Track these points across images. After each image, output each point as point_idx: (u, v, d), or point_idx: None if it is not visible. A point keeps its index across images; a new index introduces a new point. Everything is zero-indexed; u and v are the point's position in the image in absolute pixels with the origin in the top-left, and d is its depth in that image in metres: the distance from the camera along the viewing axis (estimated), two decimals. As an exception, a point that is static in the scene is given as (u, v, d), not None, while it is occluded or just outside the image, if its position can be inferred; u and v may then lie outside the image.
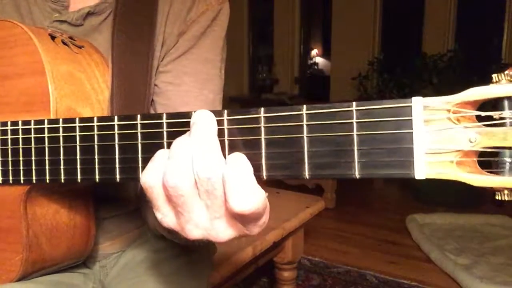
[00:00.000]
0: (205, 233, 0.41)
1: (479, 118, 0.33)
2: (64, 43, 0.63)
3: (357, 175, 0.36)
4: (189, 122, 0.42)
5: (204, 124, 0.40)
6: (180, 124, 0.44)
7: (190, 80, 0.74)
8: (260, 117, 0.40)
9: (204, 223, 0.41)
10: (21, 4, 0.73)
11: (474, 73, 3.82)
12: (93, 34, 0.72)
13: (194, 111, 0.42)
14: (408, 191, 3.53)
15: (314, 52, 5.96)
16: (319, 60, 5.97)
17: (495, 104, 0.32)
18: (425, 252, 2.51)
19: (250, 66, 5.91)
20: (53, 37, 0.62)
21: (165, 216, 0.42)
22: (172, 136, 0.44)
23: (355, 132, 0.36)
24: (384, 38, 4.87)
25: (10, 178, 0.58)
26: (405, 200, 3.41)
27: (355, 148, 0.36)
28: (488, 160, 0.33)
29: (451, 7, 4.41)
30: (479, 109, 0.33)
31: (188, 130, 0.42)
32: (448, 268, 2.27)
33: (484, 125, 0.32)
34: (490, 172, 0.33)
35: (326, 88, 5.21)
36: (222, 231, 0.41)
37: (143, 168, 0.45)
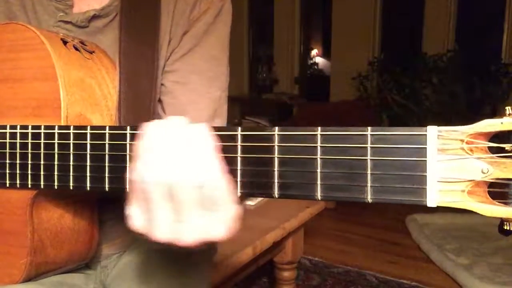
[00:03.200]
0: (172, 235, 0.42)
1: (491, 149, 0.33)
2: (76, 48, 0.63)
3: (369, 200, 0.36)
4: None
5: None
6: None
7: (196, 79, 0.75)
8: (274, 135, 0.40)
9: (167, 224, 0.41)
10: (26, 4, 0.73)
11: (474, 73, 3.83)
12: (97, 35, 0.73)
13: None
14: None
15: (314, 52, 5.95)
16: (319, 60, 5.96)
17: (507, 136, 0.32)
18: (425, 252, 2.51)
19: (250, 66, 5.91)
20: (65, 42, 0.62)
21: (135, 214, 0.43)
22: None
23: (369, 157, 0.36)
24: (384, 38, 4.87)
25: (18, 182, 0.58)
26: (405, 200, 3.39)
27: (368, 172, 0.36)
28: (499, 191, 0.33)
29: (451, 7, 4.40)
30: (491, 140, 0.33)
31: None
32: (448, 268, 2.27)
33: (496, 156, 0.33)
34: (500, 203, 0.33)
35: (326, 88, 5.20)
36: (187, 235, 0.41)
37: None
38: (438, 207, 0.34)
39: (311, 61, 5.92)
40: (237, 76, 5.69)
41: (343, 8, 4.90)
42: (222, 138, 0.42)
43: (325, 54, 5.77)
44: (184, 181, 0.39)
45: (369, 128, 0.36)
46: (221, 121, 0.79)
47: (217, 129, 0.43)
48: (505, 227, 0.33)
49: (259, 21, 5.85)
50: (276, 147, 0.40)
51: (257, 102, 5.36)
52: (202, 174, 0.39)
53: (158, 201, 0.41)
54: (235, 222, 0.40)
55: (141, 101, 0.70)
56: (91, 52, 0.65)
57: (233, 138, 0.42)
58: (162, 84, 0.76)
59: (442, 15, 4.41)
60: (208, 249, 0.89)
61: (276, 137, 0.40)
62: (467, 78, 3.78)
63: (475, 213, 0.35)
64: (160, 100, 0.77)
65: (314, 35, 5.97)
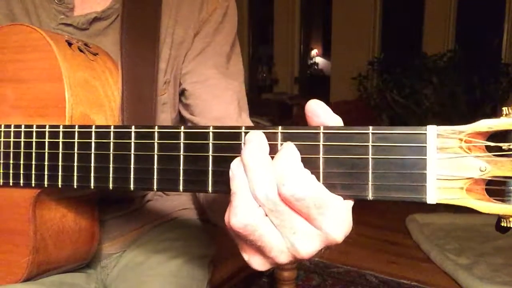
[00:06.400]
0: (291, 253, 0.40)
1: (489, 148, 0.34)
2: (80, 50, 0.64)
3: (371, 197, 0.37)
4: (205, 133, 0.43)
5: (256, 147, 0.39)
6: (196, 136, 0.44)
7: (213, 73, 0.77)
8: (277, 133, 0.40)
9: (285, 244, 0.39)
10: (29, 7, 0.73)
11: (474, 73, 3.84)
12: (97, 37, 0.73)
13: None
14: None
15: (314, 52, 5.96)
16: (319, 60, 5.97)
17: (505, 135, 0.33)
18: (425, 252, 2.51)
19: (250, 66, 5.92)
20: (70, 44, 0.63)
21: (251, 258, 0.42)
22: (189, 147, 0.44)
23: (370, 155, 0.37)
24: (384, 38, 4.88)
25: (21, 181, 0.58)
26: (405, 200, 3.40)
27: (370, 170, 0.37)
28: (496, 188, 0.34)
29: (451, 7, 4.41)
30: (489, 139, 0.34)
31: (204, 142, 0.43)
32: (448, 268, 2.27)
33: (493, 155, 0.34)
34: (497, 200, 0.34)
35: (326, 88, 5.21)
36: (302, 246, 0.39)
37: (158, 178, 0.46)
38: (438, 207, 0.35)
39: (311, 61, 5.94)
40: (237, 76, 5.69)
41: (343, 8, 4.91)
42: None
43: (325, 54, 5.78)
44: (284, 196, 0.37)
45: (370, 127, 0.37)
46: (246, 114, 0.81)
47: (218, 128, 0.43)
48: (502, 224, 0.34)
49: (259, 21, 5.86)
50: (279, 146, 0.40)
51: (257, 102, 5.36)
52: (298, 189, 0.37)
53: (266, 226, 0.39)
54: (348, 218, 0.39)
55: (143, 103, 0.71)
56: (95, 54, 0.66)
57: (238, 135, 0.42)
58: (184, 89, 0.78)
59: (442, 15, 4.42)
60: (207, 249, 0.89)
61: (279, 136, 0.40)
62: (467, 78, 3.79)
63: (475, 213, 0.36)
64: (186, 105, 0.78)
65: (314, 35, 5.98)
